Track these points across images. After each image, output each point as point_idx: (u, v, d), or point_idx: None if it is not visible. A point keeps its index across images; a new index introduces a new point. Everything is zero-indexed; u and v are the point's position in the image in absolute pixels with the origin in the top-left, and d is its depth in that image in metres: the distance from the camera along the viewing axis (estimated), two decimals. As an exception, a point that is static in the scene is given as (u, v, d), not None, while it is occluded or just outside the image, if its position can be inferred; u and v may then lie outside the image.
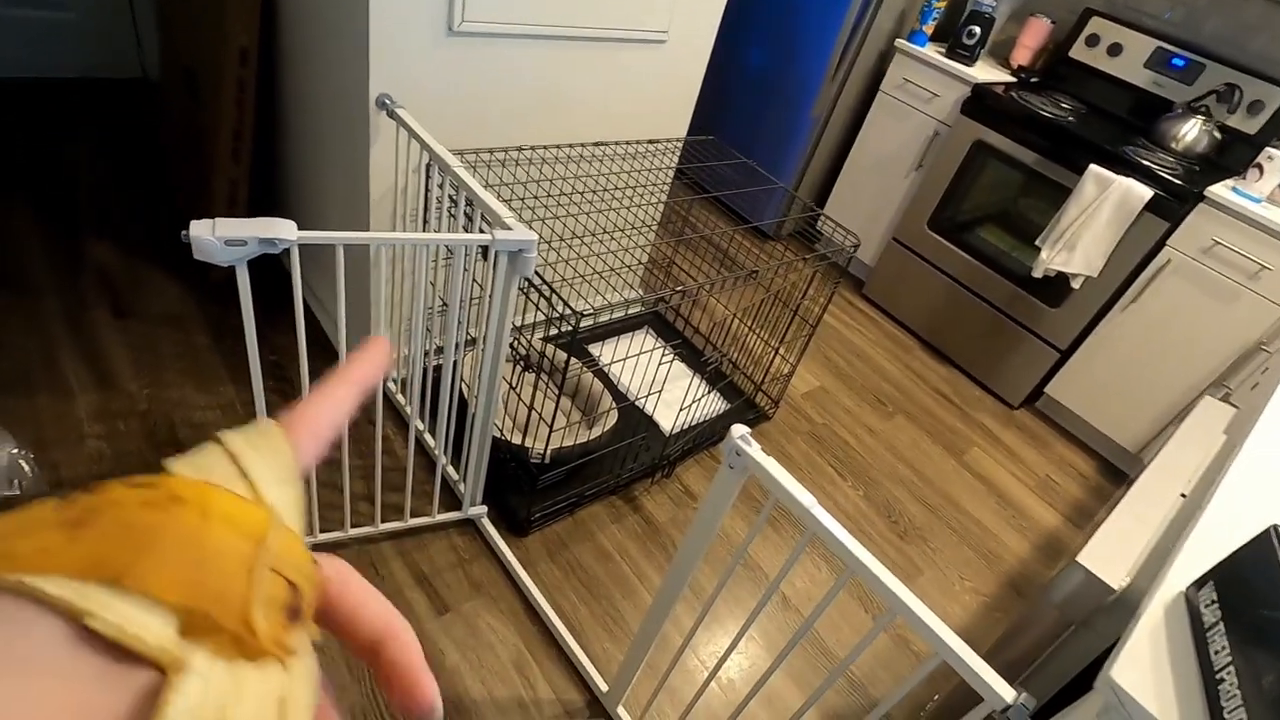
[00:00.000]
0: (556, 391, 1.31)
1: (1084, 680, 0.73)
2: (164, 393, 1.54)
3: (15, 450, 0.92)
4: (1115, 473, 2.24)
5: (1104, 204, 1.96)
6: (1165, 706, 0.51)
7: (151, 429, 1.46)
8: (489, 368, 1.21)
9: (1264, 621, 0.51)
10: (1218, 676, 0.52)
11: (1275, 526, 0.56)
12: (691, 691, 1.31)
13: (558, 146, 1.62)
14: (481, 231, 1.14)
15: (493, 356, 1.20)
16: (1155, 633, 0.57)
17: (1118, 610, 0.69)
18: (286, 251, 0.93)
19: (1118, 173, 1.94)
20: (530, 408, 1.35)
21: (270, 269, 1.85)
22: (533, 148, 1.57)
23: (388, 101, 1.30)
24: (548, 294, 1.18)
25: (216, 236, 0.85)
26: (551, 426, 1.33)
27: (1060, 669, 0.73)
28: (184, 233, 0.84)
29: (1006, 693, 0.65)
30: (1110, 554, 0.68)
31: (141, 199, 2.05)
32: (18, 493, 0.97)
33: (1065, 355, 2.24)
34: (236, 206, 1.74)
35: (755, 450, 0.82)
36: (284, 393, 1.62)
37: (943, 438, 2.16)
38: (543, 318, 1.52)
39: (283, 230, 0.89)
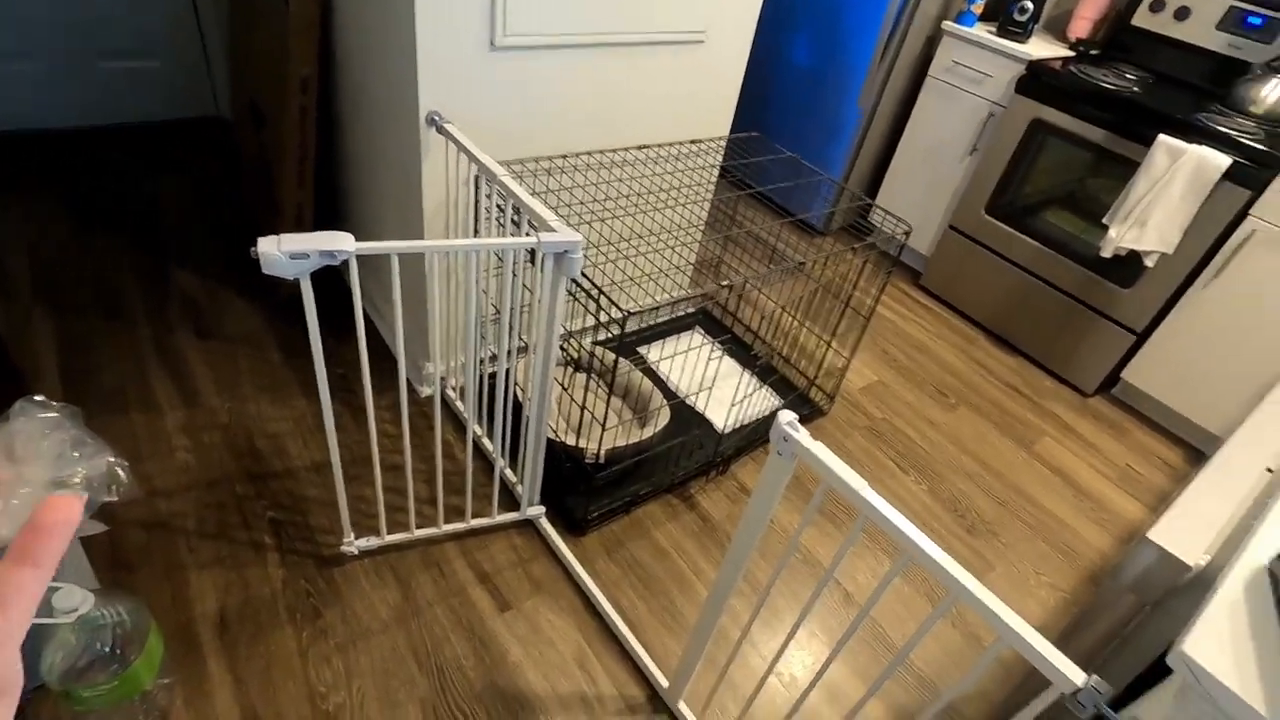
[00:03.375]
0: (609, 392, 1.33)
1: (1163, 665, 0.70)
2: (242, 407, 1.64)
3: (113, 459, 0.99)
4: (1204, 460, 2.10)
5: (1177, 175, 1.85)
6: (1246, 681, 0.48)
7: (233, 441, 1.56)
8: (541, 369, 1.24)
9: (1354, 591, 0.47)
10: (1304, 650, 0.48)
11: (1365, 491, 0.52)
12: (753, 686, 1.30)
13: (601, 152, 1.65)
14: (528, 236, 1.17)
15: (544, 358, 1.23)
16: (1234, 607, 0.54)
17: (1196, 590, 0.65)
18: (347, 264, 0.98)
19: (1191, 141, 1.84)
20: (583, 408, 1.38)
21: (332, 287, 1.94)
22: (577, 154, 1.61)
23: (437, 118, 1.35)
24: (595, 295, 1.20)
25: (282, 251, 0.90)
26: (604, 426, 1.35)
27: (1137, 654, 0.70)
28: (252, 249, 0.90)
29: (1076, 675, 0.62)
30: (1186, 530, 0.65)
31: (219, 227, 2.19)
32: (115, 499, 1.04)
33: (1142, 338, 2.12)
34: (303, 226, 1.84)
35: (803, 435, 0.81)
36: (350, 403, 1.69)
37: (1011, 429, 2.08)
38: (592, 321, 1.55)
39: (342, 242, 0.94)
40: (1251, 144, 1.79)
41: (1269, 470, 0.77)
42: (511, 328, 1.42)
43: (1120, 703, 0.72)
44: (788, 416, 0.82)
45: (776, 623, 1.44)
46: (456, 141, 1.31)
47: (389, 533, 1.38)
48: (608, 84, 1.58)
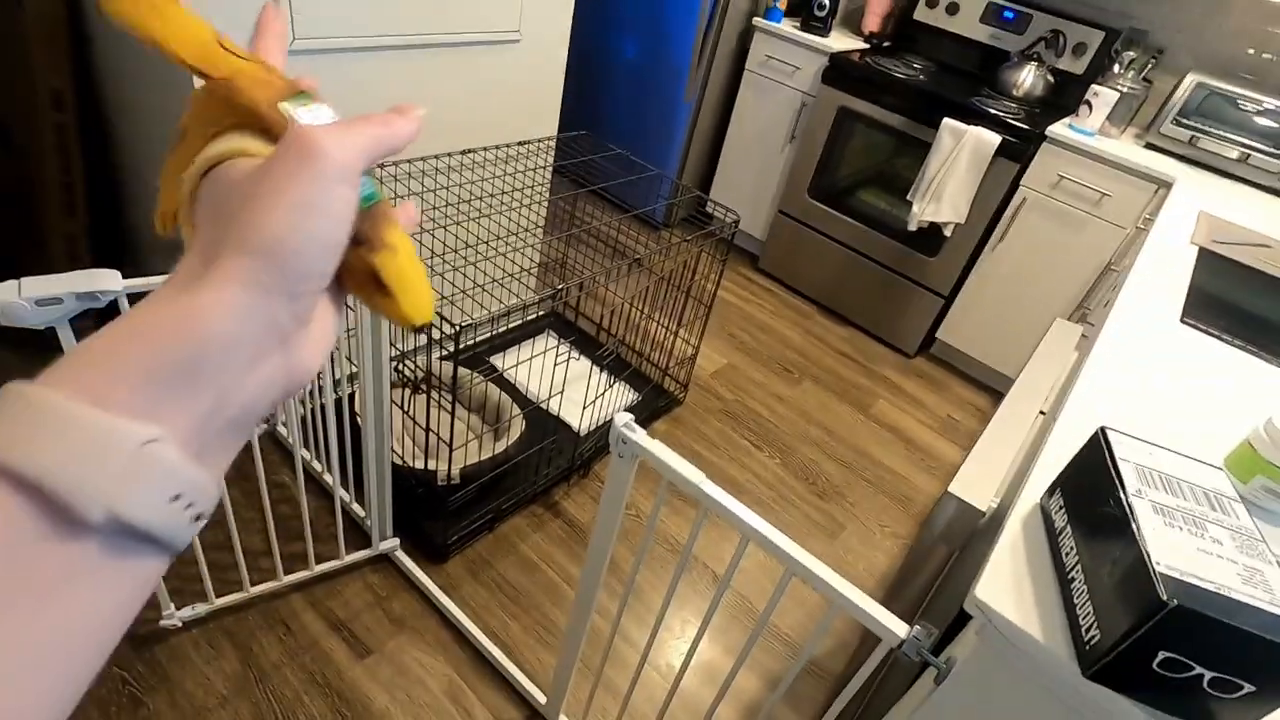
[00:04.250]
0: (452, 409, 1.27)
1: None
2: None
3: None
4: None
5: (961, 153, 2.08)
6: (1025, 614, 0.54)
7: None
8: (372, 394, 1.16)
9: (1100, 517, 0.54)
10: (1069, 576, 0.55)
11: (1102, 428, 0.60)
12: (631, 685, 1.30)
13: (424, 159, 1.57)
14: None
15: (374, 385, 1.15)
16: (1015, 546, 0.60)
17: (990, 531, 0.72)
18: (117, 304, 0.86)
19: (969, 123, 2.06)
20: (428, 430, 1.31)
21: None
22: (396, 163, 1.52)
23: (223, 131, 1.22)
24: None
25: (24, 298, 0.77)
26: (451, 445, 1.29)
27: (951, 598, 0.77)
28: (-16, 298, 0.76)
29: (899, 628, 0.67)
30: (978, 479, 0.72)
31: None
32: None
33: (949, 300, 2.36)
34: (78, 263, 1.60)
35: (640, 435, 0.82)
36: (161, 455, 1.50)
37: (849, 395, 2.24)
38: (429, 338, 1.48)
39: (105, 281, 0.82)
40: (1015, 123, 2.04)
41: (1041, 413, 0.88)
42: (338, 351, 1.32)
43: (943, 642, 0.78)
44: (624, 419, 0.82)
45: (651, 617, 1.46)
46: (249, 156, 1.18)
47: (218, 595, 1.24)
48: (422, 88, 1.50)
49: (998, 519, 0.72)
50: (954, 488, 0.71)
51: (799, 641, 1.48)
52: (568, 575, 1.48)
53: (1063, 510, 0.59)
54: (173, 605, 1.19)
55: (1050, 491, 0.63)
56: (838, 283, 2.57)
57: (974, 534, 0.73)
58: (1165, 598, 0.43)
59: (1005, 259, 2.20)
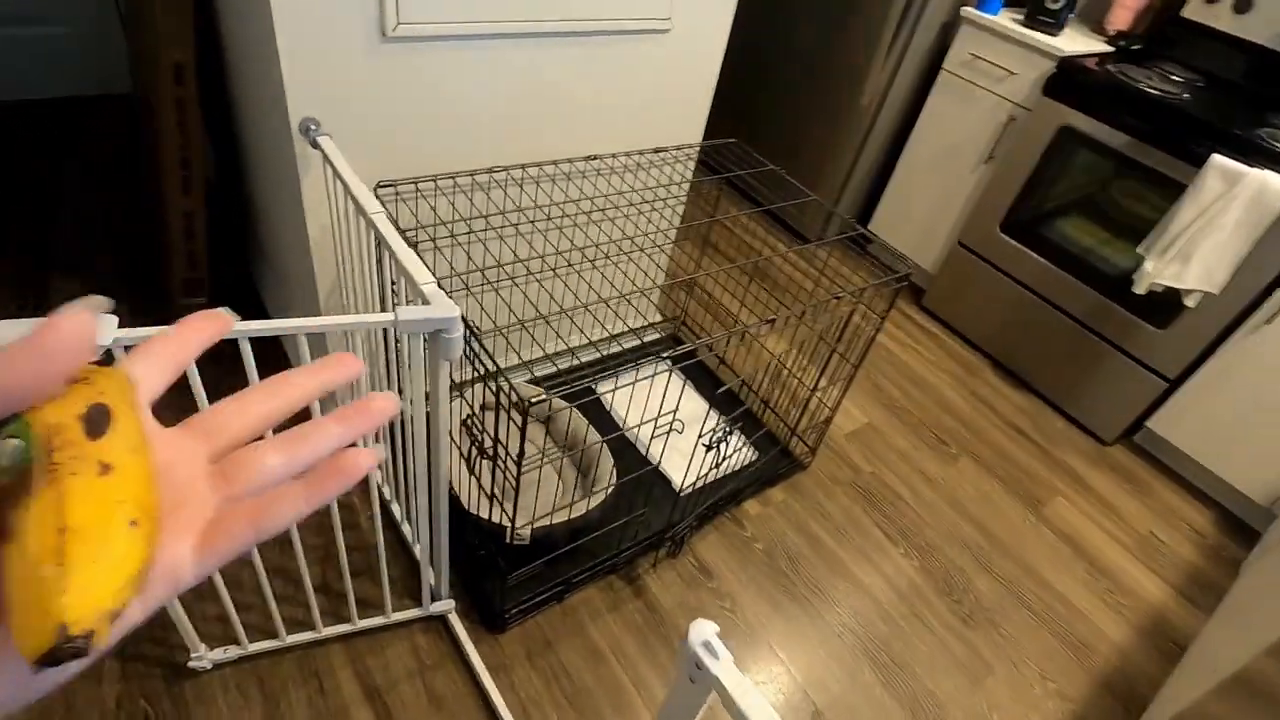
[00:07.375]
0: (548, 461, 1.06)
1: None
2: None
3: None
4: (1239, 528, 1.84)
5: (1231, 203, 1.56)
6: None
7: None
8: (425, 472, 0.98)
9: None
10: None
11: None
12: None
13: (538, 165, 1.36)
14: (389, 311, 0.90)
15: (426, 463, 0.96)
16: None
17: None
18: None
19: (1250, 164, 1.54)
20: (491, 495, 1.11)
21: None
22: (506, 169, 1.32)
23: (312, 128, 1.07)
24: (493, 372, 0.93)
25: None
26: (514, 524, 1.08)
27: None
28: None
29: None
30: None
31: (128, 222, 1.91)
32: None
33: (1174, 384, 1.84)
34: (194, 240, 1.56)
35: (723, 662, 0.55)
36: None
37: (1018, 485, 1.81)
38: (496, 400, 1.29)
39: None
40: (1325, 169, 1.49)
41: None
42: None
43: None
44: (703, 633, 0.55)
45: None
46: (327, 159, 1.02)
47: (250, 641, 1.13)
48: (545, 83, 1.29)
49: None
50: None
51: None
52: (637, 676, 1.25)
53: None
54: (203, 646, 1.09)
55: None
56: (1022, 338, 2.10)
57: None
58: None
59: (1272, 346, 1.66)
